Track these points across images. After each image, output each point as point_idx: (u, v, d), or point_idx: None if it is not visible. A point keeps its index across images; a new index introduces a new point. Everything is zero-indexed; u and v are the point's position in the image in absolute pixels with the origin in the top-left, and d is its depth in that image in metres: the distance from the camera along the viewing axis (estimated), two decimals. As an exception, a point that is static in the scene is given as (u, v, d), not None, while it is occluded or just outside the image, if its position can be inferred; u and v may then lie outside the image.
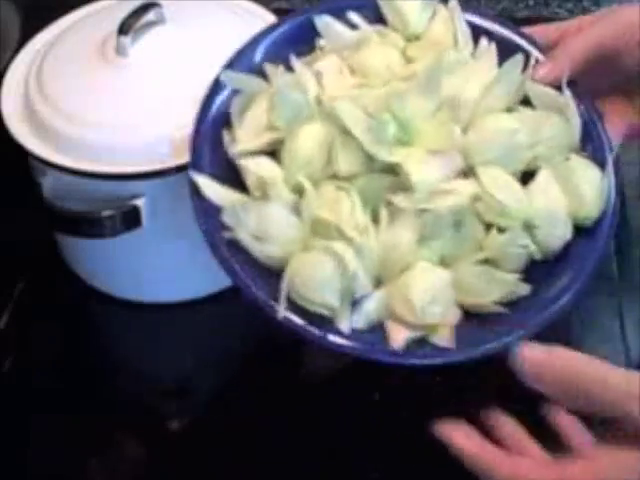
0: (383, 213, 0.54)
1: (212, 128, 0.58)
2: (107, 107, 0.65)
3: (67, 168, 0.63)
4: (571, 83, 0.57)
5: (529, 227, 0.54)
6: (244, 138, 0.57)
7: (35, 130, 0.65)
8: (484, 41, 0.60)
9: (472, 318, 0.54)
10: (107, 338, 0.73)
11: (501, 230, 0.53)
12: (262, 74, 0.60)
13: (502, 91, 0.57)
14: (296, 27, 0.62)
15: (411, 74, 0.56)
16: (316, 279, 0.52)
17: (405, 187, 0.53)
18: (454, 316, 0.53)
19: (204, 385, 0.67)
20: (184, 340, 0.70)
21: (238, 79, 0.59)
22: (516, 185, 0.54)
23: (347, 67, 0.59)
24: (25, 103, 0.67)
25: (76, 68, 0.67)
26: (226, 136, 0.58)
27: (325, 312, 0.52)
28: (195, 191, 0.56)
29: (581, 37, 0.58)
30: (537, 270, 0.55)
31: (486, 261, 0.53)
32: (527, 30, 0.61)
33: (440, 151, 0.54)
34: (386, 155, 0.53)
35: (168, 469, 0.63)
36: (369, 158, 0.54)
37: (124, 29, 0.65)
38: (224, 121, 0.59)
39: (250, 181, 0.56)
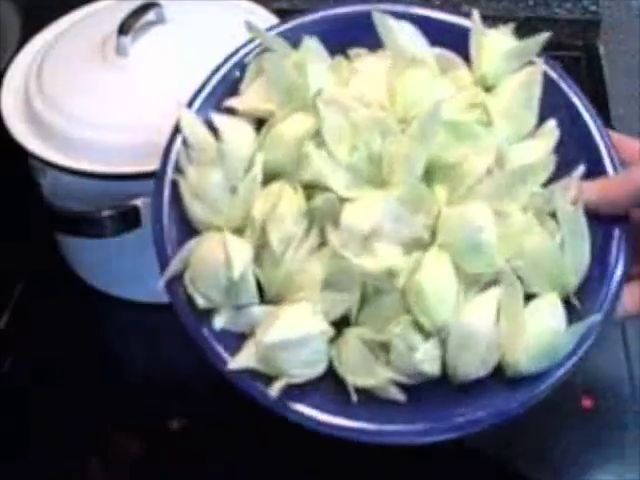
0: (312, 235, 0.50)
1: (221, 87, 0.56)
2: (107, 107, 0.65)
3: (67, 168, 0.63)
4: (621, 220, 0.50)
5: (440, 335, 0.48)
6: (249, 95, 0.54)
7: (35, 130, 0.65)
8: (552, 123, 0.53)
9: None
10: (107, 338, 0.73)
11: (415, 323, 0.48)
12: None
13: (512, 185, 0.49)
14: (351, 17, 0.56)
15: (415, 114, 0.50)
16: (205, 268, 0.49)
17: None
18: (317, 372, 0.49)
19: (204, 385, 0.67)
20: (184, 340, 0.70)
21: (267, 36, 0.55)
22: (452, 284, 0.48)
23: (384, 79, 0.53)
24: (25, 103, 0.67)
25: (76, 68, 0.67)
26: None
27: (205, 302, 0.50)
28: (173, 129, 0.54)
29: None
30: (443, 392, 0.49)
31: (382, 344, 0.48)
32: (614, 135, 0.53)
33: (398, 207, 0.48)
34: (340, 187, 0.49)
35: (168, 469, 0.63)
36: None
37: (124, 29, 0.65)
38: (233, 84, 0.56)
39: (217, 139, 0.52)
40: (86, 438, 0.64)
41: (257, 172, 0.50)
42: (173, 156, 0.53)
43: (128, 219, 0.64)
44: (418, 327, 0.48)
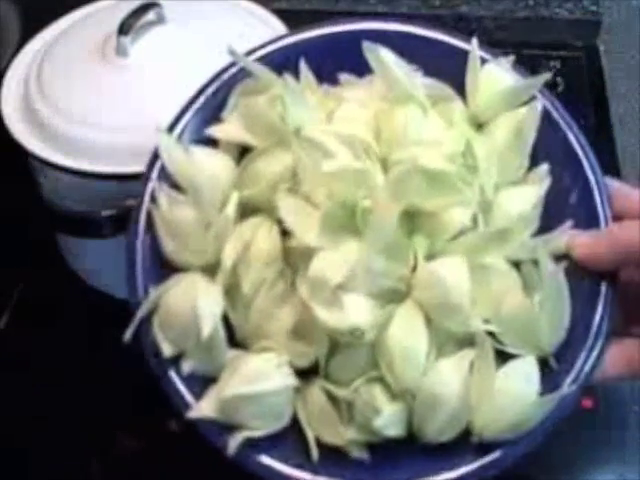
0: (283, 281, 0.47)
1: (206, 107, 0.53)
2: (107, 107, 0.65)
3: (67, 168, 0.63)
4: (608, 277, 0.47)
5: (405, 398, 0.46)
6: (230, 124, 0.51)
7: (35, 130, 0.65)
8: (544, 168, 0.50)
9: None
10: (107, 338, 0.73)
11: (380, 379, 0.46)
12: None
13: (498, 242, 0.46)
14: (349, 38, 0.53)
15: (399, 159, 0.47)
16: (175, 320, 0.47)
17: None
18: (279, 425, 0.47)
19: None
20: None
21: (250, 63, 0.51)
22: (423, 346, 0.45)
23: (371, 113, 0.50)
24: (25, 103, 0.67)
25: (76, 68, 0.67)
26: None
27: (173, 349, 0.48)
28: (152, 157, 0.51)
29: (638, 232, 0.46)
30: (409, 451, 0.47)
31: (347, 402, 0.47)
32: (615, 183, 0.50)
33: (371, 259, 0.45)
34: (310, 236, 0.45)
35: (168, 469, 0.63)
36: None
37: (124, 29, 0.65)
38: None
39: (194, 169, 0.49)
40: (86, 438, 0.64)
41: (230, 211, 0.48)
42: (152, 184, 0.51)
43: (128, 219, 0.64)
44: (384, 385, 0.46)
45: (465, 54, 0.52)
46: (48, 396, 0.67)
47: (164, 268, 0.49)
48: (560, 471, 0.60)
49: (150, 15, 0.67)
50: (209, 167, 0.49)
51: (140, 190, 0.51)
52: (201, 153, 0.50)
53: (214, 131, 0.51)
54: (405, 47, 0.51)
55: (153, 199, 0.50)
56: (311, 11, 0.97)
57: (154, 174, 0.51)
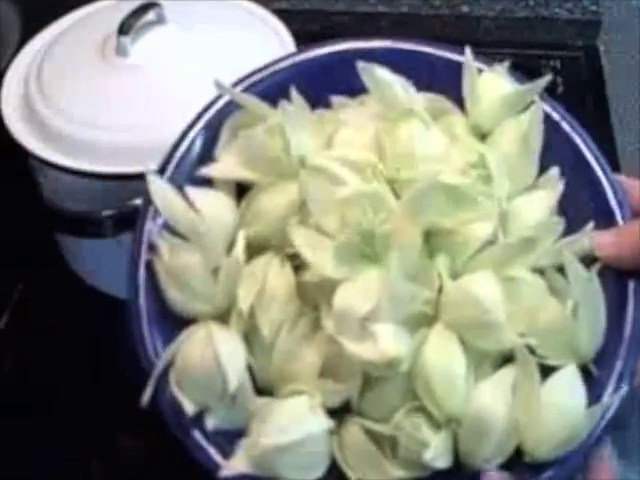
0: (307, 320, 0.45)
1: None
2: (107, 107, 0.65)
3: (67, 168, 0.63)
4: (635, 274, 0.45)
5: (451, 427, 0.44)
6: (225, 162, 0.49)
7: (35, 130, 0.65)
8: (555, 171, 0.48)
9: None
10: (107, 338, 0.73)
11: (423, 410, 0.44)
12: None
13: (518, 251, 0.45)
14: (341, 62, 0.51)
15: (411, 178, 0.45)
16: (195, 375, 0.44)
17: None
18: (318, 474, 0.44)
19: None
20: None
21: (240, 96, 0.49)
22: (460, 369, 0.43)
23: (371, 134, 0.48)
24: (25, 103, 0.67)
25: (76, 68, 0.67)
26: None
27: (196, 407, 0.45)
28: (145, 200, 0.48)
29: None
30: None
31: (387, 437, 0.44)
32: (625, 180, 0.49)
33: (396, 285, 0.42)
34: (328, 268, 0.43)
35: (168, 469, 0.63)
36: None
37: (124, 29, 0.65)
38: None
39: (195, 213, 0.46)
40: (86, 438, 0.64)
41: (239, 252, 0.45)
42: (147, 232, 0.48)
43: (128, 219, 0.64)
44: (426, 415, 0.43)
45: (456, 65, 0.51)
46: (48, 396, 0.67)
47: (171, 322, 0.46)
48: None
49: (150, 15, 0.67)
50: (209, 208, 0.46)
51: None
52: (198, 194, 0.47)
53: (210, 171, 0.48)
54: (393, 64, 0.50)
55: (151, 248, 0.47)
56: (311, 11, 0.97)
57: (149, 222, 0.48)
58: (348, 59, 0.50)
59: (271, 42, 0.70)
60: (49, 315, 0.72)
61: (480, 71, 0.51)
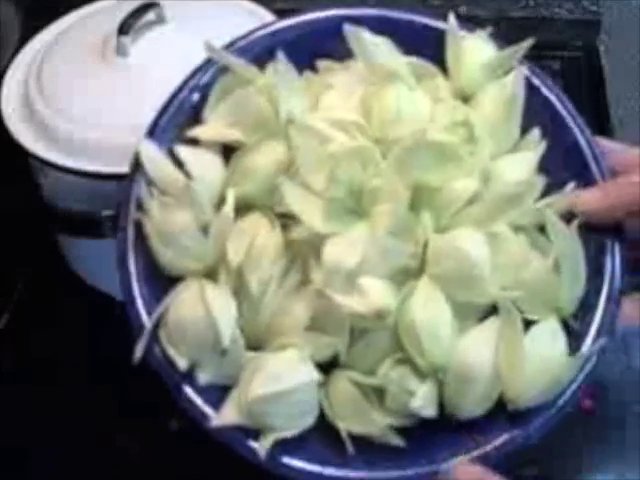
0: (293, 275, 0.46)
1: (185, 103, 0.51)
2: (107, 107, 0.65)
3: (67, 168, 0.63)
4: (613, 230, 0.48)
5: (437, 376, 0.45)
6: (213, 123, 0.50)
7: (35, 130, 0.65)
8: (536, 132, 0.50)
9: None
10: (107, 338, 0.73)
11: (408, 361, 0.45)
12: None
13: (501, 206, 0.46)
14: (329, 24, 0.52)
15: (399, 136, 0.46)
16: (188, 331, 0.45)
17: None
18: (308, 423, 0.46)
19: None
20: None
21: (229, 58, 0.51)
22: (446, 320, 0.45)
23: (358, 96, 0.49)
24: (25, 103, 0.67)
25: (76, 68, 0.67)
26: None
27: (188, 362, 0.46)
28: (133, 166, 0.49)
29: (631, 182, 0.47)
30: (443, 430, 0.46)
31: (374, 389, 0.46)
32: (601, 141, 0.51)
33: (385, 240, 0.44)
34: (317, 223, 0.45)
35: (168, 469, 0.63)
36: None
37: (124, 29, 0.65)
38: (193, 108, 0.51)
39: (185, 172, 0.48)
40: (86, 438, 0.64)
41: (229, 210, 0.46)
42: (135, 194, 0.48)
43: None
44: (412, 366, 0.45)
45: (440, 32, 0.52)
46: (48, 396, 0.67)
47: (161, 281, 0.47)
48: (560, 471, 0.60)
49: (150, 15, 0.67)
50: (198, 167, 0.47)
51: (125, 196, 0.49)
52: (187, 153, 0.48)
53: (198, 132, 0.49)
54: (380, 31, 0.51)
55: (139, 207, 0.48)
56: (311, 11, 0.97)
57: (137, 182, 0.49)
58: (335, 25, 0.51)
59: (271, 42, 0.70)
60: (49, 315, 0.72)
61: (463, 37, 0.52)
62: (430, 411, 0.45)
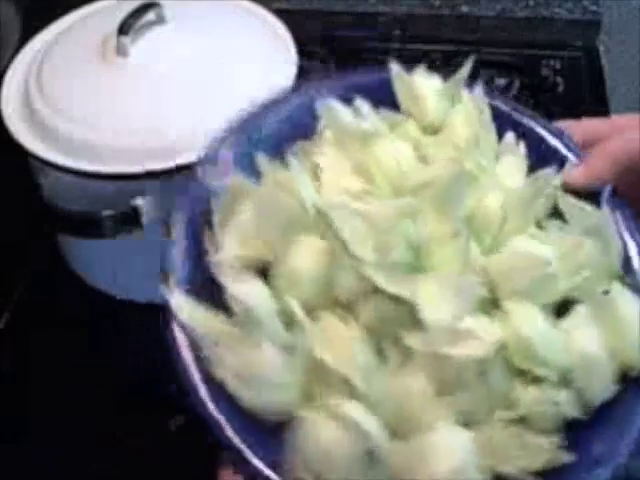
0: (393, 354, 0.43)
1: (190, 228, 0.47)
2: (107, 107, 0.65)
3: (67, 168, 0.63)
4: (610, 194, 0.49)
5: (565, 377, 0.45)
6: (228, 245, 0.46)
7: (35, 130, 0.65)
8: (510, 135, 0.51)
9: None
10: (107, 338, 0.73)
11: (534, 379, 0.44)
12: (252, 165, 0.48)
13: (530, 205, 0.47)
14: (296, 108, 0.51)
15: (426, 181, 0.46)
16: (333, 455, 0.42)
17: (418, 321, 0.43)
18: None
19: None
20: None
21: (216, 174, 0.48)
22: (549, 325, 0.45)
23: (350, 164, 0.48)
24: (25, 103, 0.67)
25: (76, 68, 0.68)
26: (207, 240, 0.46)
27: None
28: (168, 315, 0.46)
29: (621, 140, 0.49)
30: (574, 426, 0.45)
31: (517, 420, 0.44)
32: (558, 125, 0.52)
33: (457, 279, 0.43)
34: (392, 286, 0.43)
35: (168, 469, 0.63)
36: (369, 282, 0.44)
37: (124, 29, 0.65)
38: (204, 221, 0.47)
39: (235, 307, 0.44)
40: (86, 438, 0.64)
41: (305, 320, 0.43)
42: (186, 360, 0.46)
43: (128, 219, 0.64)
44: (539, 382, 0.44)
45: (385, 79, 0.52)
46: (48, 396, 0.67)
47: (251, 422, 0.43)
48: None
49: (150, 15, 0.67)
50: (248, 295, 0.44)
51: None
52: (234, 289, 0.44)
53: (222, 258, 0.45)
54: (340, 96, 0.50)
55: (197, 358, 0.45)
56: (311, 11, 0.97)
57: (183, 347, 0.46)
58: (301, 109, 0.50)
59: (271, 42, 0.70)
60: (49, 315, 0.72)
61: (411, 78, 0.52)
62: (577, 411, 0.44)
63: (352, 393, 0.43)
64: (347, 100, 0.50)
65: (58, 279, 0.74)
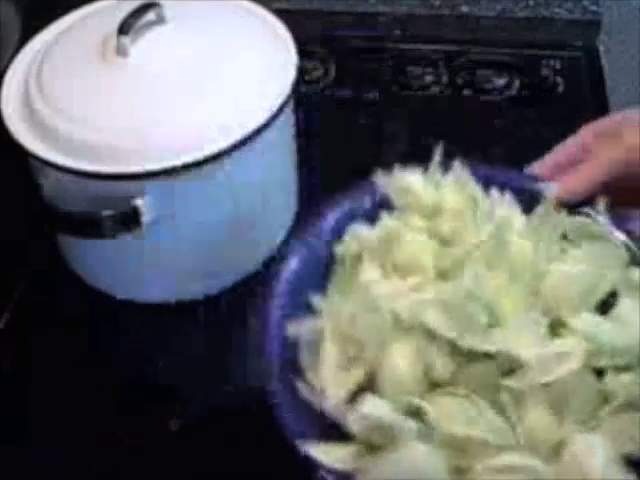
0: (505, 398, 0.48)
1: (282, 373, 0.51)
2: (107, 107, 0.65)
3: (67, 168, 0.63)
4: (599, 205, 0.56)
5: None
6: (331, 383, 0.50)
7: (35, 130, 0.65)
8: (494, 192, 0.56)
9: None
10: (107, 338, 0.73)
11: (618, 370, 0.50)
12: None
13: (548, 234, 0.54)
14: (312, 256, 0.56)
15: (468, 249, 0.52)
16: None
17: (511, 368, 0.49)
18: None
19: (204, 385, 0.67)
20: (184, 340, 0.70)
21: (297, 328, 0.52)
22: (606, 321, 0.51)
23: (388, 267, 0.54)
24: (25, 103, 0.67)
25: (76, 68, 0.68)
26: (302, 387, 0.51)
27: None
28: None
29: (595, 163, 0.56)
30: None
31: (622, 408, 0.49)
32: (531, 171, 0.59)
33: (526, 319, 0.50)
34: (485, 345, 0.49)
35: (168, 469, 0.63)
36: (462, 354, 0.50)
37: (124, 29, 0.65)
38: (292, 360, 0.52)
39: (360, 429, 0.48)
40: (86, 438, 0.64)
41: (427, 408, 0.48)
42: None
43: (128, 219, 0.64)
44: (625, 370, 0.49)
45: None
46: (48, 396, 0.67)
47: None
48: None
49: (150, 15, 0.67)
50: (370, 410, 0.48)
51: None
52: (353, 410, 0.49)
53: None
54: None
55: None
56: (311, 11, 0.97)
57: None
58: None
59: (271, 42, 0.70)
60: (49, 315, 0.72)
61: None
62: None
63: (492, 452, 0.47)
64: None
65: (58, 279, 0.74)
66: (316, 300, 0.53)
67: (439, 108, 0.87)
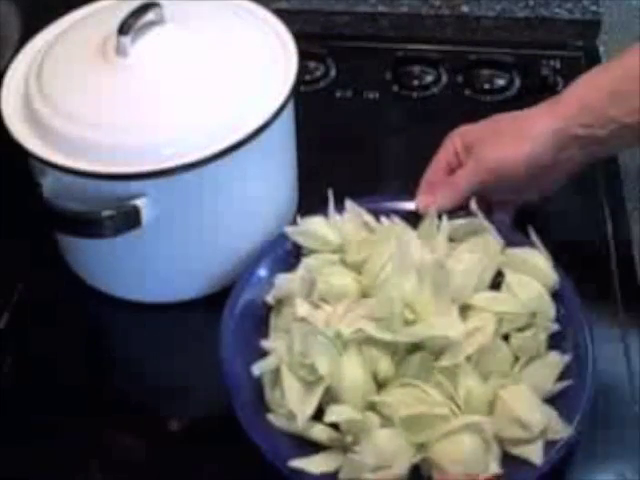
0: (440, 377, 0.58)
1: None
2: (107, 107, 0.65)
3: (67, 168, 0.63)
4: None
5: (534, 316, 0.62)
6: (297, 406, 0.58)
7: (35, 130, 0.65)
8: (384, 219, 0.68)
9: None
10: (107, 338, 0.73)
11: (519, 330, 0.62)
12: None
13: (439, 240, 0.65)
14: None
15: (373, 274, 0.63)
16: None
17: (440, 351, 0.59)
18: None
19: (204, 385, 0.67)
20: (184, 340, 0.70)
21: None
22: (500, 295, 0.63)
23: (316, 300, 0.62)
24: (25, 103, 0.67)
25: (76, 68, 0.68)
26: (272, 418, 0.60)
27: None
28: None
29: (458, 182, 0.68)
30: None
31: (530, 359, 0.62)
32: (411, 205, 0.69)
33: (440, 308, 0.60)
34: (416, 336, 0.59)
35: (168, 469, 0.63)
36: (399, 351, 0.59)
37: (124, 29, 0.65)
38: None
39: (328, 437, 0.59)
40: (86, 438, 0.64)
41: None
42: None
43: (128, 219, 0.64)
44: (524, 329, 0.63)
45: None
46: (48, 396, 0.67)
47: None
48: (560, 470, 0.60)
49: (150, 15, 0.67)
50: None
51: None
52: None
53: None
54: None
55: None
56: (311, 11, 0.97)
57: None
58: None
59: (271, 42, 0.70)
60: (49, 315, 0.72)
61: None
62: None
63: (442, 422, 0.57)
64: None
65: (58, 279, 0.74)
66: (266, 343, 0.62)
67: (439, 108, 0.87)
